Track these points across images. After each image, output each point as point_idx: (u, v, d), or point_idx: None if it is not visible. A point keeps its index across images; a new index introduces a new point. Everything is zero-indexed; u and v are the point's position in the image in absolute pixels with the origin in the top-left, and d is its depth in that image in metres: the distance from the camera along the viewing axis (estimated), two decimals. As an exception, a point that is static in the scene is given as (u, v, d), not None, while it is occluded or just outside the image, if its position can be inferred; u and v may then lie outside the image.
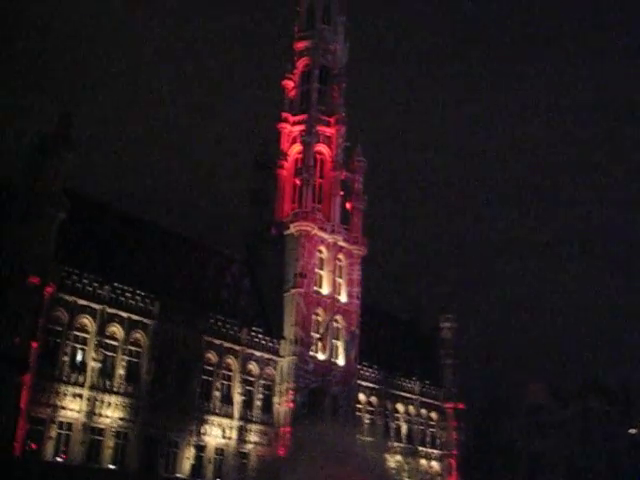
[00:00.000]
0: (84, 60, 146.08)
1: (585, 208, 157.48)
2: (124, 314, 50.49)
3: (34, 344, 44.59)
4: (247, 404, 56.45)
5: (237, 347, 56.69)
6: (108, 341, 49.45)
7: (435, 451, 71.77)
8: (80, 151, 51.49)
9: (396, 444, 67.51)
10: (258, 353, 58.09)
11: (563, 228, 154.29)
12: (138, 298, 51.53)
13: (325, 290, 63.65)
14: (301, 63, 71.99)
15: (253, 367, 57.78)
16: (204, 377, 53.96)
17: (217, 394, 54.61)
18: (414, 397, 70.96)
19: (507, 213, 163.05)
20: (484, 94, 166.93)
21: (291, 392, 58.12)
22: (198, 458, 52.31)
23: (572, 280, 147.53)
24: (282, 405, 58.05)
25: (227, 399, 55.29)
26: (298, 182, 66.37)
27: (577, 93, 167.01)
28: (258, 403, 57.44)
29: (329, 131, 68.94)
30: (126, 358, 50.20)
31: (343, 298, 64.87)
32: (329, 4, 74.04)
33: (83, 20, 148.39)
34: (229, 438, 54.44)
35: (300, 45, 72.58)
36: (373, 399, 66.98)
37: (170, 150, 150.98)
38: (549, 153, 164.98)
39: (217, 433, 53.86)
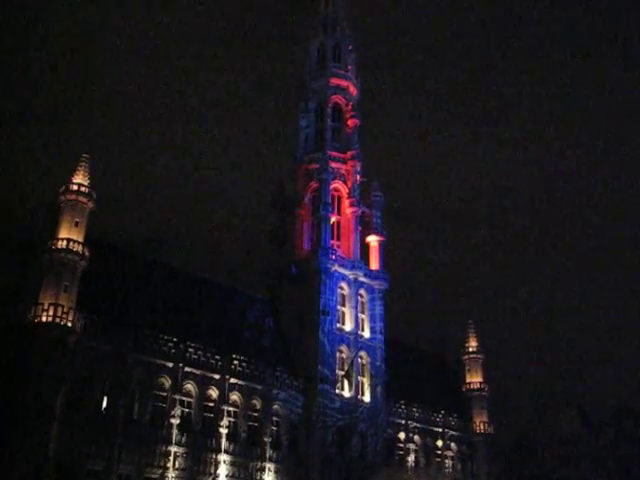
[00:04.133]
0: (103, 108, 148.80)
1: (611, 227, 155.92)
2: (148, 359, 50.65)
3: (60, 393, 44.84)
4: (274, 445, 56.02)
5: (262, 387, 56.51)
6: (133, 387, 49.54)
7: (467, 485, 70.45)
8: (101, 200, 52.10)
9: (427, 479, 66.42)
10: (283, 393, 57.83)
11: (589, 251, 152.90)
12: (161, 342, 51.71)
13: (348, 326, 63.50)
14: (314, 102, 72.93)
15: (278, 407, 57.49)
16: (229, 419, 53.74)
17: (243, 435, 54.37)
18: (443, 431, 69.95)
19: (530, 239, 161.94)
20: (500, 121, 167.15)
21: (318, 431, 57.65)
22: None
23: (601, 304, 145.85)
24: (309, 445, 57.51)
25: (253, 440, 54.95)
26: (316, 220, 66.66)
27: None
28: (285, 443, 57.02)
29: (344, 168, 69.47)
30: (151, 403, 50.26)
31: (366, 334, 64.66)
32: (339, 42, 75.15)
33: (106, 71, 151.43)
34: (256, 480, 54.03)
35: (312, 84, 73.62)
36: (401, 435, 66.20)
37: (188, 194, 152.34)
38: (570, 179, 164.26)
39: (244, 475, 53.43)
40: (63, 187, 50.63)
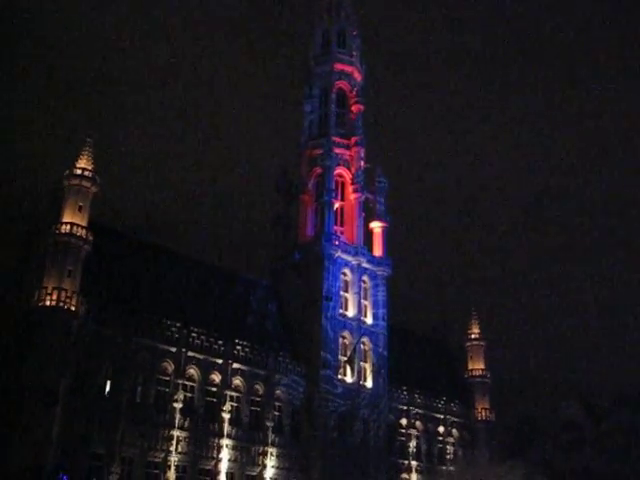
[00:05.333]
0: (107, 92, 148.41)
1: (612, 212, 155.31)
2: (151, 343, 50.78)
3: (63, 377, 45.01)
4: (276, 430, 56.26)
5: (264, 372, 56.69)
6: (137, 371, 49.70)
7: (468, 471, 70.64)
8: (104, 184, 52.08)
9: (428, 465, 66.78)
10: (286, 378, 58.02)
11: (593, 238, 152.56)
12: (164, 327, 51.84)
13: (351, 312, 63.57)
14: (318, 87, 72.72)
15: (281, 392, 57.69)
16: (232, 404, 53.98)
17: (246, 420, 54.62)
18: (444, 417, 70.18)
19: (534, 225, 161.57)
20: (506, 109, 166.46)
21: (320, 416, 57.86)
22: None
23: (603, 290, 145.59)
24: (311, 430, 57.72)
25: (256, 425, 55.21)
26: (319, 205, 66.63)
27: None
28: (287, 428, 57.28)
29: (348, 153, 69.28)
30: (154, 387, 50.46)
31: (369, 320, 64.73)
32: (344, 27, 74.83)
33: (108, 57, 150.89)
34: (259, 464, 54.23)
35: (317, 69, 73.35)
36: (403, 420, 66.43)
37: (192, 179, 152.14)
38: (572, 169, 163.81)
39: (246, 459, 53.69)
40: (67, 172, 50.60)
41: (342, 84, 72.63)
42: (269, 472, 54.54)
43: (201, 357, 53.21)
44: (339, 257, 63.59)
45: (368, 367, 63.32)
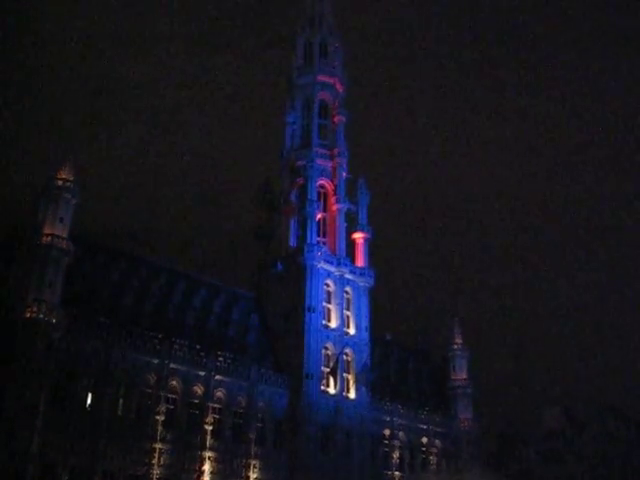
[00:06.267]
0: (88, 104, 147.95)
1: (598, 225, 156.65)
2: (133, 355, 50.41)
3: (44, 389, 44.54)
4: (259, 441, 55.96)
5: (247, 384, 56.42)
6: (118, 383, 49.25)
7: (451, 481, 70.58)
8: (85, 196, 51.87)
9: (411, 475, 66.62)
10: (268, 389, 57.77)
11: (573, 249, 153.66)
12: (146, 339, 51.53)
13: (333, 323, 63.51)
14: (300, 98, 72.96)
15: (264, 404, 57.40)
16: (214, 416, 53.63)
17: (228, 433, 54.30)
18: (428, 427, 69.99)
19: (514, 236, 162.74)
20: (487, 118, 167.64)
21: (303, 428, 57.64)
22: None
23: (586, 303, 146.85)
24: (294, 441, 57.49)
25: (238, 437, 54.90)
26: (302, 216, 66.68)
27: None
28: (270, 440, 56.97)
29: (330, 164, 69.49)
30: (136, 399, 50.06)
31: (352, 331, 64.68)
32: (326, 39, 75.18)
33: (87, 66, 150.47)
34: (242, 477, 53.88)
35: (299, 80, 73.62)
36: (387, 431, 66.23)
37: (173, 190, 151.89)
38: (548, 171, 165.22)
39: (229, 472, 53.34)
40: (48, 182, 50.29)
41: (324, 95, 72.93)
42: (252, 484, 54.29)
43: (183, 369, 52.89)
44: (321, 268, 63.58)
45: (351, 378, 63.20)
